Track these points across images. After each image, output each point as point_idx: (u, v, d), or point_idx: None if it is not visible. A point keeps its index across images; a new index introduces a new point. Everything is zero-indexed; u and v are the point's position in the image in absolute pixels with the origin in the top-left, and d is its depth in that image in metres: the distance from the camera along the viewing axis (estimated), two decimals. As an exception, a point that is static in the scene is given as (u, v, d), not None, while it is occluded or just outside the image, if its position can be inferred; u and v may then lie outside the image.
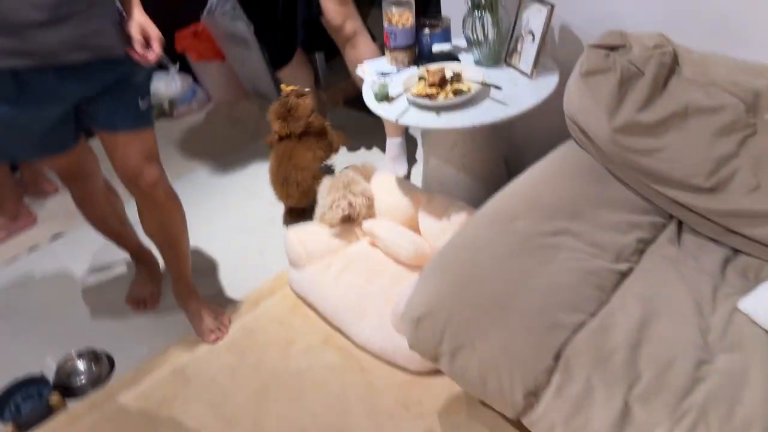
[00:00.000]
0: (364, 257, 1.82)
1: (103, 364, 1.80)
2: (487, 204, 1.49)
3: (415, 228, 1.84)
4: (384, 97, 1.70)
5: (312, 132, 2.15)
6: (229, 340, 1.81)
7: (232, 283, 2.04)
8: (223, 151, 2.79)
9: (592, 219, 1.42)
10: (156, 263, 2.05)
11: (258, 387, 1.66)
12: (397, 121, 1.62)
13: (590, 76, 1.45)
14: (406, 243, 1.72)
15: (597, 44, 1.46)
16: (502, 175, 1.92)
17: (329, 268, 1.80)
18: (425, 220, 1.78)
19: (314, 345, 1.74)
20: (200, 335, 1.82)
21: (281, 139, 2.14)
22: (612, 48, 1.46)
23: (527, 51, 1.69)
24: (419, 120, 1.60)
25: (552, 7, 1.59)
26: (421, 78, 1.72)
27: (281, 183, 2.13)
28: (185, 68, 3.12)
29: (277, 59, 2.35)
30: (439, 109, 1.62)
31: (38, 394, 1.72)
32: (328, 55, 2.98)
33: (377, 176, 1.97)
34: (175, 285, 1.85)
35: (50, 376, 1.76)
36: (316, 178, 2.06)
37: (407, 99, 1.67)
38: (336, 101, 3.02)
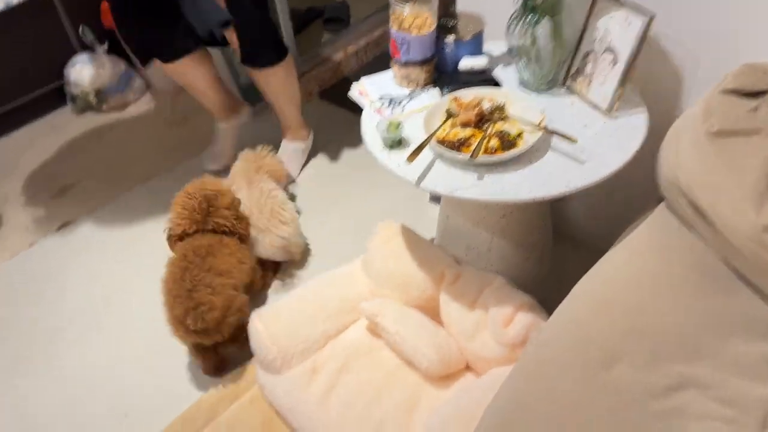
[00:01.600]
0: (364, 355, 1.31)
1: None
2: (561, 316, 1.00)
3: (432, 311, 1.34)
4: (396, 142, 1.16)
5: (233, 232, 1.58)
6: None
7: (177, 379, 1.53)
8: (168, 163, 2.20)
9: (719, 355, 0.95)
10: None
11: None
12: (418, 185, 1.10)
13: (725, 137, 0.95)
14: (426, 348, 1.22)
15: (732, 88, 0.96)
16: (549, 236, 1.43)
17: (315, 375, 1.29)
18: (451, 308, 1.28)
19: (297, 486, 1.25)
20: None
21: (183, 237, 1.53)
22: (755, 94, 0.96)
23: (604, 76, 1.17)
24: (451, 186, 1.08)
25: (651, 18, 1.07)
26: (448, 113, 1.19)
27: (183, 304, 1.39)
28: (116, 49, 2.47)
29: None
30: (482, 170, 1.10)
31: None
32: (296, 31, 2.37)
33: (379, 232, 1.44)
34: None
35: None
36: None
37: (432, 149, 1.14)
38: (309, 93, 2.44)
